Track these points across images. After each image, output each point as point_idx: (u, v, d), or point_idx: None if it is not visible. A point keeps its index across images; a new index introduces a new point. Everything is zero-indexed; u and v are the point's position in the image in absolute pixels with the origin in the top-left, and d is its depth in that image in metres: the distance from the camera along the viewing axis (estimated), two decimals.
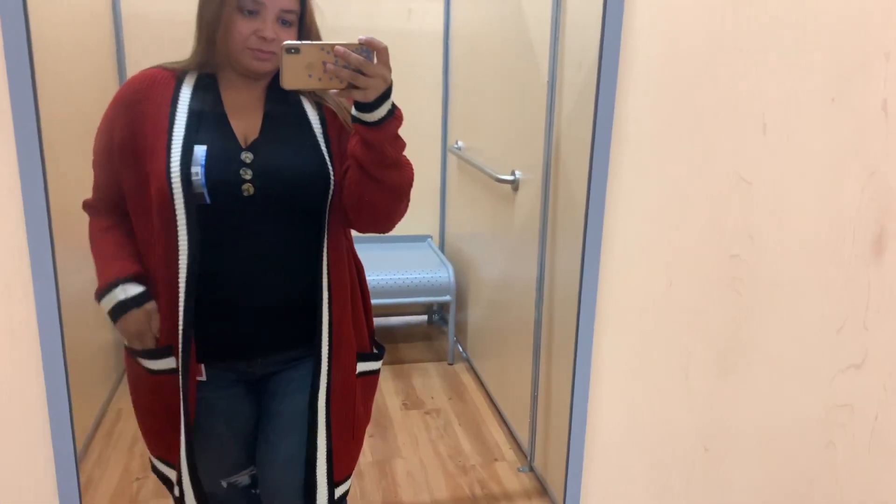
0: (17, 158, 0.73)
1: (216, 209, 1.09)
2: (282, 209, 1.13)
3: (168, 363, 1.16)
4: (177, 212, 1.06)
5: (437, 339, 3.04)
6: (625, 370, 0.96)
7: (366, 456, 2.15)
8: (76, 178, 2.26)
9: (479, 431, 2.30)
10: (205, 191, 1.07)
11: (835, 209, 0.98)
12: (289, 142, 1.14)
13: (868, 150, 0.97)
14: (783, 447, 1.06)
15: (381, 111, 1.02)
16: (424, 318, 3.23)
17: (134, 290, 1.13)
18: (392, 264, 2.73)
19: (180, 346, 1.12)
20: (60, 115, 2.13)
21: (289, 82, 0.98)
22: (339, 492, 1.23)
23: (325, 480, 1.19)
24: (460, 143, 2.81)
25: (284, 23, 1.08)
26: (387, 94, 1.02)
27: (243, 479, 1.30)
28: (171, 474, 1.24)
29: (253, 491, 1.31)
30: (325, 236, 1.16)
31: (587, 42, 1.72)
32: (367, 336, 1.29)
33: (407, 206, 1.17)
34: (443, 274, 2.72)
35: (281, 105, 1.15)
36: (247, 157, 1.10)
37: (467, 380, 2.66)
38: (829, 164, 0.96)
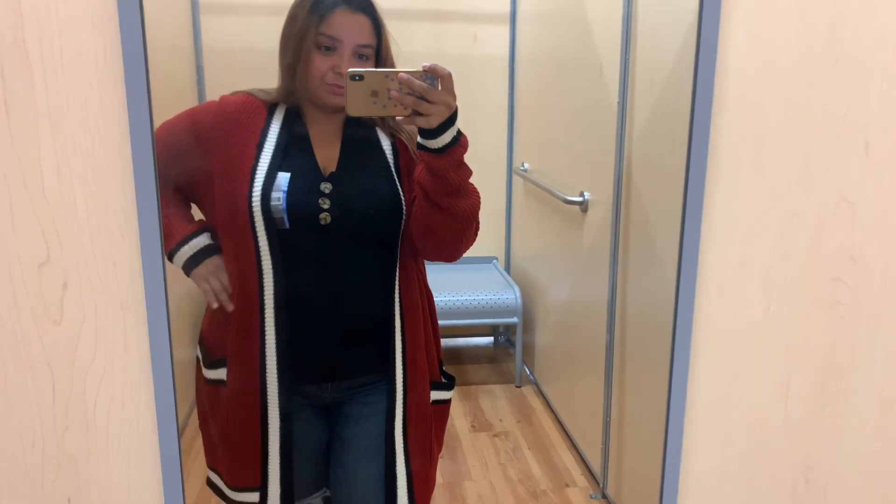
0: (134, 186, 0.78)
1: (294, 235, 1.11)
2: (356, 238, 1.15)
3: (219, 374, 1.19)
4: (258, 235, 1.09)
5: (504, 361, 3.03)
6: (720, 397, 0.92)
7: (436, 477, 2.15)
8: None
9: (549, 456, 2.27)
10: (284, 216, 1.09)
11: None
12: (364, 173, 1.16)
13: None
14: (891, 479, 1.01)
15: (446, 138, 1.03)
16: (490, 339, 3.22)
17: (201, 242, 1.16)
18: (458, 286, 2.75)
19: (273, 365, 1.14)
20: None
21: (353, 109, 1.00)
22: None
23: None
24: (526, 165, 2.82)
25: (361, 57, 1.10)
26: (451, 120, 1.02)
27: (316, 501, 1.32)
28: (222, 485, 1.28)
29: None
30: (397, 264, 1.18)
31: (659, 61, 1.71)
32: (437, 364, 1.29)
33: (475, 234, 1.17)
34: (509, 296, 2.71)
35: (358, 136, 1.18)
36: (325, 187, 1.13)
37: (535, 403, 2.63)
38: None
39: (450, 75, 0.99)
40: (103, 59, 0.78)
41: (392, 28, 1.17)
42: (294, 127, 1.15)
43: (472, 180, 1.13)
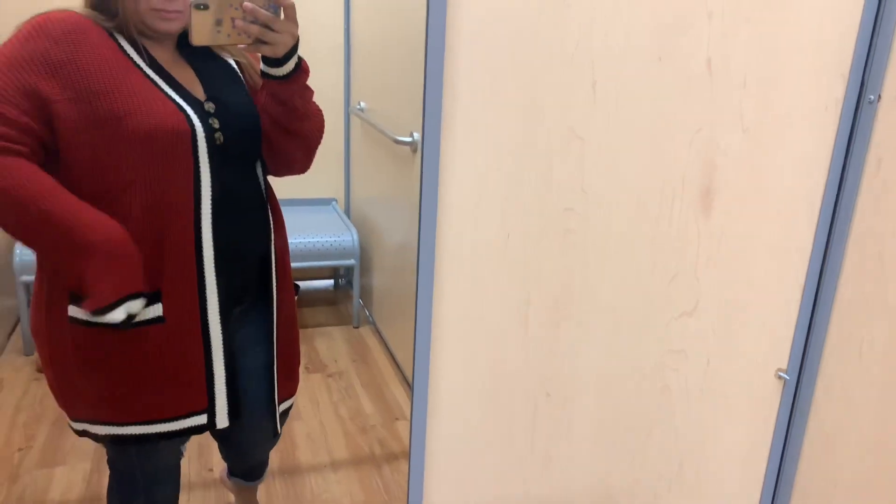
0: None
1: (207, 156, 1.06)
2: (241, 155, 1.12)
3: (156, 310, 1.08)
4: (199, 156, 1.05)
5: (343, 302, 3.03)
6: (464, 318, 0.99)
7: None
8: None
9: (382, 392, 2.32)
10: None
11: (664, 165, 1.02)
12: (233, 93, 1.13)
13: (694, 108, 1.01)
14: (621, 391, 1.13)
15: (290, 65, 1.05)
16: (331, 282, 3.20)
17: (138, 306, 1.04)
18: (296, 228, 2.68)
19: (208, 290, 1.11)
20: None
21: (198, 38, 0.99)
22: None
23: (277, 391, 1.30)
24: (363, 105, 2.77)
25: None
26: (294, 49, 1.04)
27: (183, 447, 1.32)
28: (142, 430, 1.14)
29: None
30: (263, 182, 1.21)
31: None
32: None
33: (319, 142, 1.20)
34: (347, 238, 2.70)
35: (206, 60, 1.13)
36: (209, 107, 1.08)
37: (372, 342, 2.67)
38: (658, 121, 1.00)
39: (293, 5, 1.00)
40: None
41: None
42: (144, 50, 1.05)
43: (316, 105, 1.17)
